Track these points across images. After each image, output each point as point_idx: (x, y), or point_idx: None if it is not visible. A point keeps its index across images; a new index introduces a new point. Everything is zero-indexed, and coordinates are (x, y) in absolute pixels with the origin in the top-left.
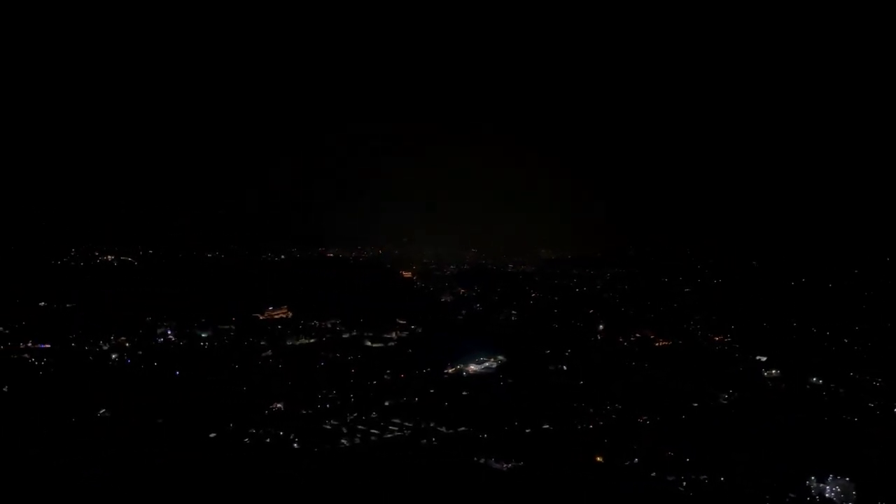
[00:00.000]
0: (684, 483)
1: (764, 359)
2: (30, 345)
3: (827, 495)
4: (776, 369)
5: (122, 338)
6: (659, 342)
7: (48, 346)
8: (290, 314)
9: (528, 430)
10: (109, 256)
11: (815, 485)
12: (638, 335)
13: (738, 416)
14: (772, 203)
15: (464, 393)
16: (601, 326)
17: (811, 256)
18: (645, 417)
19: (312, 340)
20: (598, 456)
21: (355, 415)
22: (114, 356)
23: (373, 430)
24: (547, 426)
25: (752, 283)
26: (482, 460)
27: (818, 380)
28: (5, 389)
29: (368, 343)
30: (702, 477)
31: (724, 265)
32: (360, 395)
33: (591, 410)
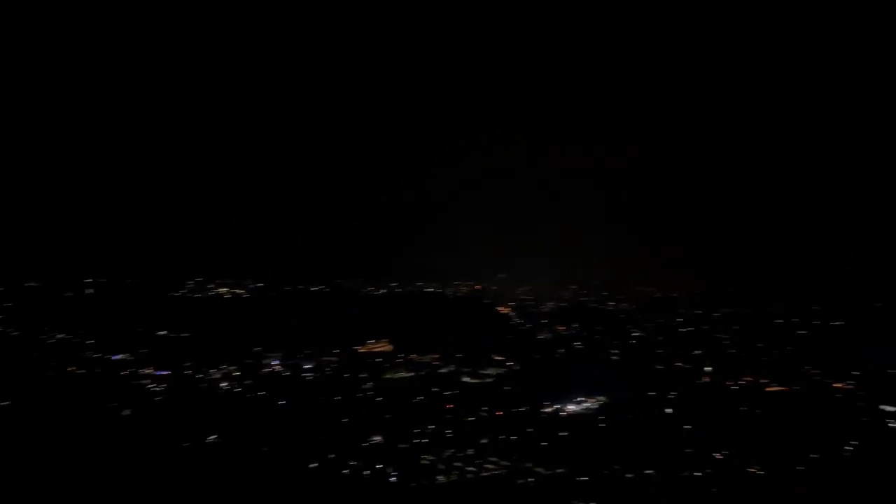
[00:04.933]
0: None
1: (892, 409)
2: (151, 371)
3: None
4: None
5: (233, 367)
6: (771, 387)
7: (167, 373)
8: (390, 348)
9: (628, 476)
10: (222, 289)
11: None
12: (749, 379)
13: (858, 467)
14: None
15: (562, 434)
16: (708, 369)
17: None
18: (757, 468)
19: (411, 374)
20: None
21: (452, 451)
22: (223, 384)
23: (469, 468)
24: (650, 471)
25: (877, 325)
26: None
27: None
28: (127, 413)
29: (466, 379)
30: None
31: (845, 305)
32: (456, 431)
33: (700, 458)
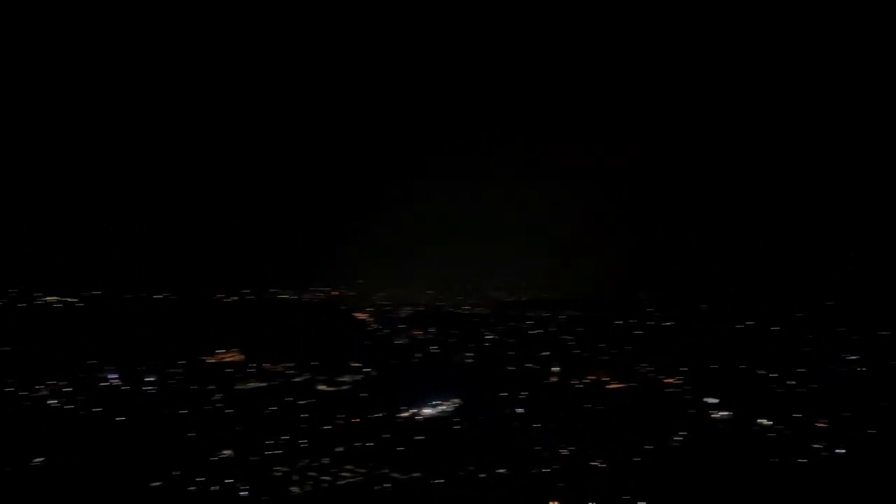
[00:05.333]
0: None
1: (715, 401)
2: None
3: None
4: (726, 411)
5: (63, 382)
6: (612, 384)
7: None
8: (241, 357)
9: (482, 476)
10: (51, 297)
11: None
12: (592, 377)
13: (690, 457)
14: (717, 247)
15: (417, 437)
16: (555, 369)
17: (757, 300)
18: (599, 461)
19: (263, 384)
20: (553, 501)
21: (306, 461)
22: (52, 401)
23: (324, 477)
24: (502, 470)
25: (702, 326)
26: None
27: (766, 421)
28: None
29: (322, 387)
30: None
31: (675, 308)
32: (311, 441)
33: (546, 455)
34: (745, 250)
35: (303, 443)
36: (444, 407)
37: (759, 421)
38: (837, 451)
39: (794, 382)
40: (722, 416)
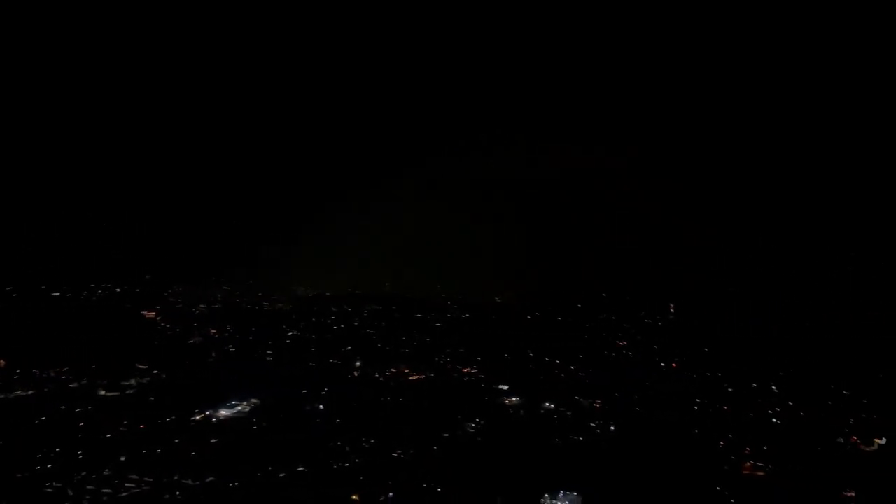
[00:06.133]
0: None
1: (506, 387)
2: None
3: None
4: (516, 397)
5: None
6: (413, 376)
7: None
8: (2, 363)
9: (281, 475)
10: None
11: (548, 501)
12: (393, 370)
13: (484, 442)
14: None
15: (213, 440)
16: (358, 363)
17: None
18: (400, 452)
19: (31, 392)
20: (354, 494)
21: (84, 474)
22: None
23: (105, 490)
24: (302, 468)
25: (497, 319)
26: None
27: (550, 404)
28: None
29: (102, 392)
30: None
31: (472, 301)
32: (89, 452)
33: (348, 449)
34: (536, 246)
35: (80, 453)
36: (241, 407)
37: (545, 404)
38: (611, 428)
39: (574, 368)
40: (512, 401)
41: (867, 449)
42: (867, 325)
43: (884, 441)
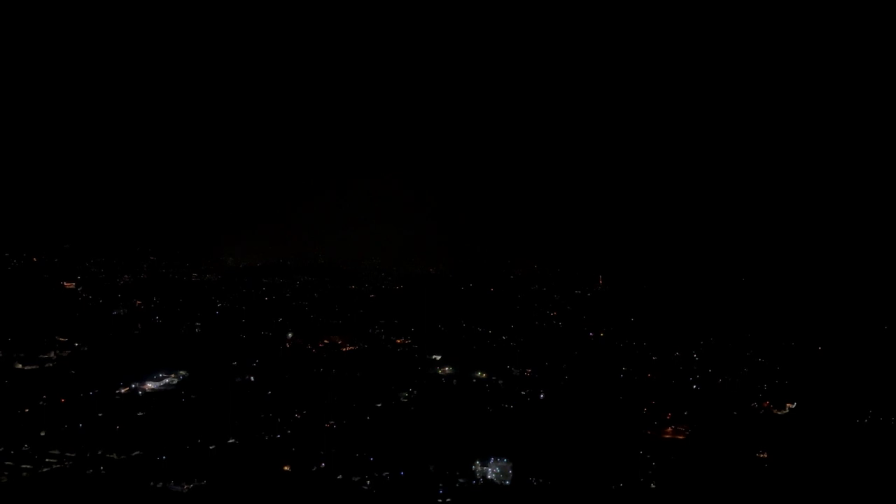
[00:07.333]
0: (368, 482)
1: (438, 357)
2: None
3: (489, 476)
4: (449, 366)
5: None
6: (346, 347)
7: None
8: None
9: (212, 447)
10: None
11: (479, 468)
12: (326, 342)
13: (416, 411)
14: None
15: (139, 414)
16: (290, 335)
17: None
18: (332, 422)
19: None
20: (286, 465)
21: (1, 450)
22: None
23: (24, 465)
24: (233, 440)
25: (431, 289)
26: (159, 484)
27: (482, 374)
28: None
29: (19, 365)
30: (384, 474)
31: (406, 272)
32: (6, 427)
33: (279, 420)
34: (470, 218)
35: None
36: (168, 380)
37: (477, 373)
38: (540, 396)
39: (506, 337)
40: (445, 371)
41: (779, 412)
42: (781, 295)
43: (794, 405)
